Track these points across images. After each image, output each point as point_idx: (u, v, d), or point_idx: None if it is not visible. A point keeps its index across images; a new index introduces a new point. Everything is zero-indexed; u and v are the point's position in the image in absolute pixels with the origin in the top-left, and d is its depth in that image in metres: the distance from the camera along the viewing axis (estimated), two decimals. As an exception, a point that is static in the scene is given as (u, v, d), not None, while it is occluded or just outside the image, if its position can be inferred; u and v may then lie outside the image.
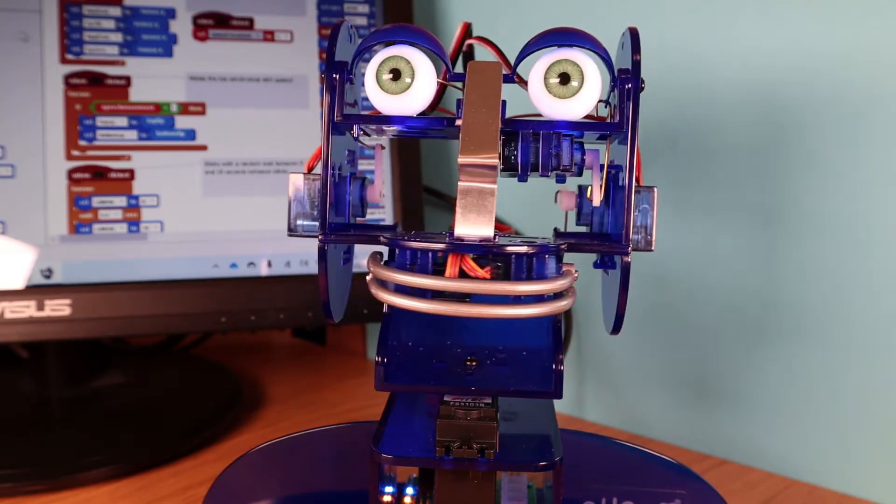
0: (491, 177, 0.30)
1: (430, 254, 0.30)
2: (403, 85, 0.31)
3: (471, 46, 0.37)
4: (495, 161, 0.29)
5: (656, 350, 0.58)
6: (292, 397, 0.64)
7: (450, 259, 0.29)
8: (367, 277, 0.32)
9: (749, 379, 0.54)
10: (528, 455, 0.33)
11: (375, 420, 0.36)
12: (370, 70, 0.32)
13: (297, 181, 0.34)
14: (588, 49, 0.31)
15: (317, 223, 0.33)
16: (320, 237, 0.32)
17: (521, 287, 0.29)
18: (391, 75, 0.31)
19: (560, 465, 0.33)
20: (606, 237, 0.35)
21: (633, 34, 0.32)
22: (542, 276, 0.31)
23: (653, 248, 0.33)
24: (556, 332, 0.33)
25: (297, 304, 0.57)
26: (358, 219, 0.36)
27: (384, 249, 0.33)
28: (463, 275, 0.30)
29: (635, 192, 0.32)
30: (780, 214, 0.51)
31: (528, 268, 0.31)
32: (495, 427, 0.32)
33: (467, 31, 0.36)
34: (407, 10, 0.62)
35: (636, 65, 0.31)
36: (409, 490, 0.36)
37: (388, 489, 0.36)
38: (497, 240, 0.30)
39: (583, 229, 0.36)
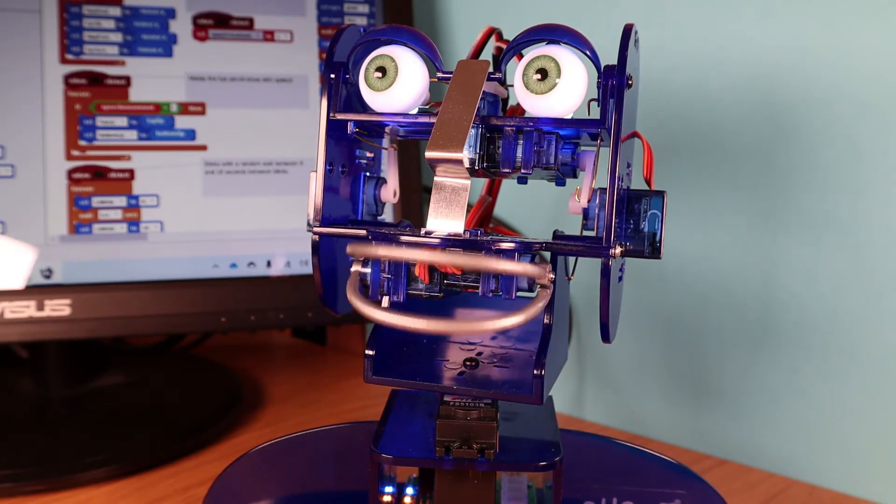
0: (460, 172, 0.30)
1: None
2: (387, 81, 0.32)
3: (500, 49, 0.37)
4: (460, 156, 0.29)
5: (656, 350, 0.58)
6: (292, 397, 0.64)
7: None
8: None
9: (749, 379, 0.54)
10: (528, 455, 0.33)
11: (375, 420, 0.36)
12: (361, 70, 0.33)
13: (312, 180, 0.34)
14: (570, 45, 0.31)
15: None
16: (312, 230, 0.33)
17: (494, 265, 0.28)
18: (379, 73, 0.32)
19: (560, 465, 0.33)
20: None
21: (625, 30, 0.31)
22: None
23: (661, 256, 0.31)
24: (543, 336, 0.31)
25: (297, 304, 0.57)
26: (378, 218, 0.37)
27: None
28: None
29: (645, 196, 0.32)
30: (780, 214, 0.51)
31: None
32: (495, 427, 0.32)
33: (490, 33, 0.36)
34: (407, 11, 0.62)
35: (622, 61, 0.30)
36: (409, 490, 0.36)
37: (388, 489, 0.36)
38: (470, 236, 0.30)
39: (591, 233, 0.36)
